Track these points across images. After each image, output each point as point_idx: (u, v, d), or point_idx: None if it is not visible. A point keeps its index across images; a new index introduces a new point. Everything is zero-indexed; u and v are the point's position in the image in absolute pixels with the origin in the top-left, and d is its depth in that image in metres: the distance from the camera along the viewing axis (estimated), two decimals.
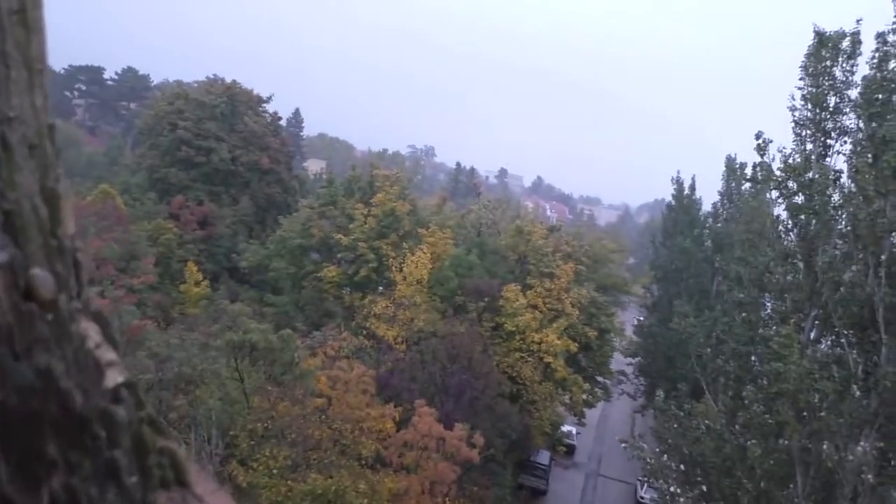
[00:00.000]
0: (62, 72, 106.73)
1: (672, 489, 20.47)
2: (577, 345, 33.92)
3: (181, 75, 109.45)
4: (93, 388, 0.70)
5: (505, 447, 27.61)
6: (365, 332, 30.42)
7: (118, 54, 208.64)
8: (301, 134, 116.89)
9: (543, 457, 37.22)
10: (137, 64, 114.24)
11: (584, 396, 36.75)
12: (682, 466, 19.93)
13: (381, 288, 36.51)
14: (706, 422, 19.76)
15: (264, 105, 54.63)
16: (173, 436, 0.83)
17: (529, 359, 32.25)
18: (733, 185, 45.26)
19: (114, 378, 0.73)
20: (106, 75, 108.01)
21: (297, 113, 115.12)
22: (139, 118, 59.86)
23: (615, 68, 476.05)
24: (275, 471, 17.55)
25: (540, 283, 34.41)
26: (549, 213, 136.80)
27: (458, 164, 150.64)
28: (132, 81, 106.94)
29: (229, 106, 50.35)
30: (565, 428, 39.46)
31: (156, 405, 20.06)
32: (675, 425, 20.71)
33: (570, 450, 41.68)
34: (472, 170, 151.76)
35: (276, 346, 20.51)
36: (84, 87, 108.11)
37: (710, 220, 47.55)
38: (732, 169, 45.39)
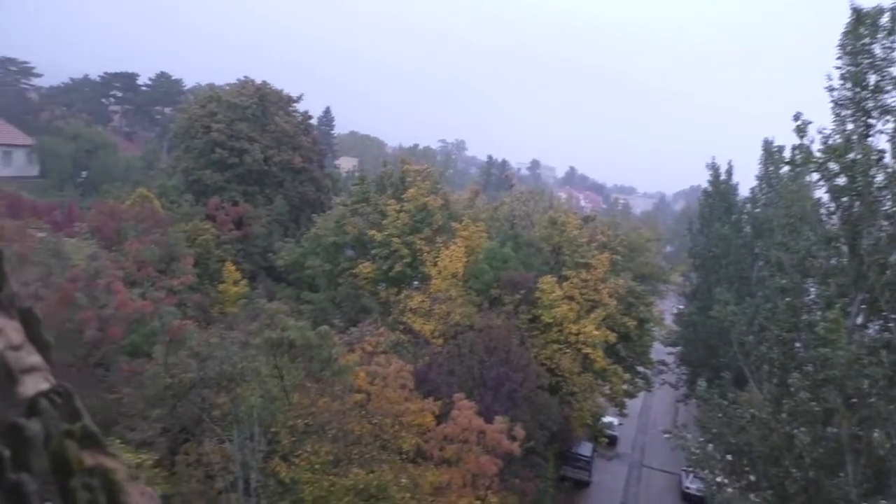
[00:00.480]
0: (98, 79, 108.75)
1: (718, 479, 20.17)
2: (615, 335, 33.56)
3: (212, 78, 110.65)
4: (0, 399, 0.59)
5: (546, 439, 27.49)
6: (402, 326, 30.50)
7: (151, 60, 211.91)
8: (332, 132, 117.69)
9: (585, 448, 36.99)
10: (170, 68, 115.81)
11: (625, 387, 36.40)
12: (728, 456, 19.60)
13: (416, 283, 36.55)
14: (751, 410, 19.39)
15: (295, 105, 54.85)
16: (114, 451, 0.70)
17: (568, 350, 32.04)
18: (771, 168, 44.47)
19: (34, 385, 0.61)
20: (140, 81, 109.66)
21: (327, 111, 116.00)
22: (173, 122, 60.49)
23: (647, 55, 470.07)
24: (317, 466, 17.67)
25: (576, 274, 34.09)
26: (582, 203, 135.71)
27: (490, 157, 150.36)
28: (166, 86, 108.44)
29: (260, 107, 50.70)
30: (606, 419, 39.12)
31: (198, 403, 20.37)
32: (720, 414, 20.38)
33: (612, 441, 41.26)
34: (504, 162, 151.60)
35: (314, 343, 20.57)
36: (119, 94, 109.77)
37: (749, 205, 46.79)
38: (770, 152, 44.61)
